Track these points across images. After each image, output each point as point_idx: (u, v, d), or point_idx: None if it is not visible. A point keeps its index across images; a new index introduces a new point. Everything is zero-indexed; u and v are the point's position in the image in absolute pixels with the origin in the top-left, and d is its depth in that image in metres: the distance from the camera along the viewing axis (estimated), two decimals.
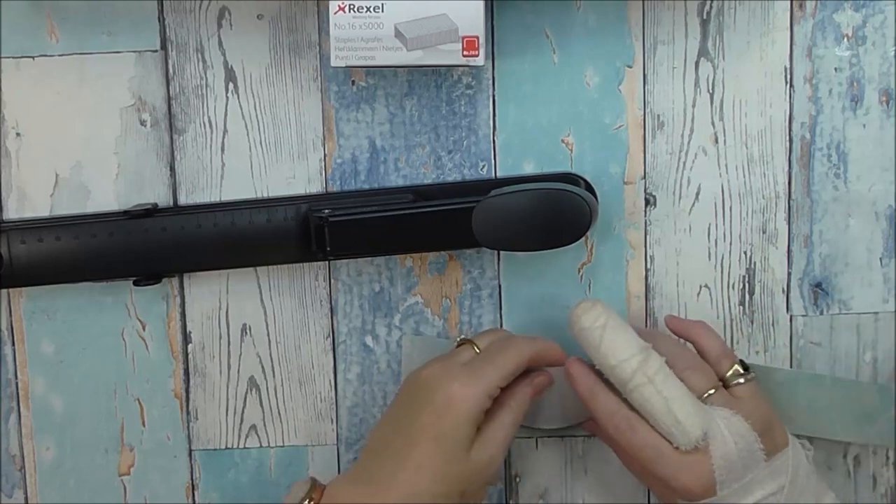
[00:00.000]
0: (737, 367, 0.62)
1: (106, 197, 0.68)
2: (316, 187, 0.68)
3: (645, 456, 0.59)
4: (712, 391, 0.60)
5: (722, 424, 0.58)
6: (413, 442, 0.58)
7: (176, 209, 0.67)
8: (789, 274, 0.68)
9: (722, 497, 0.58)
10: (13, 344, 0.69)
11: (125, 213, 0.65)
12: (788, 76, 0.67)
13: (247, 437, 0.70)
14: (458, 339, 0.63)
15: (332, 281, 0.69)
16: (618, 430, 0.59)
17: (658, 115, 0.67)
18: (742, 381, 0.61)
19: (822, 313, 0.69)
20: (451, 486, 0.58)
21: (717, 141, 0.67)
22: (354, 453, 0.70)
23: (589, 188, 0.66)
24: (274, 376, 0.69)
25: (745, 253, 0.68)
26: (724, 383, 0.61)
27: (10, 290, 0.68)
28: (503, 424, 0.60)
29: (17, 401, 0.69)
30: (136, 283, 0.66)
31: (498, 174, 0.67)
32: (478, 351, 0.61)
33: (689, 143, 0.67)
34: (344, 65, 0.59)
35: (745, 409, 0.59)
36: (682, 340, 0.64)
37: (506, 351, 0.60)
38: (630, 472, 0.64)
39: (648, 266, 0.68)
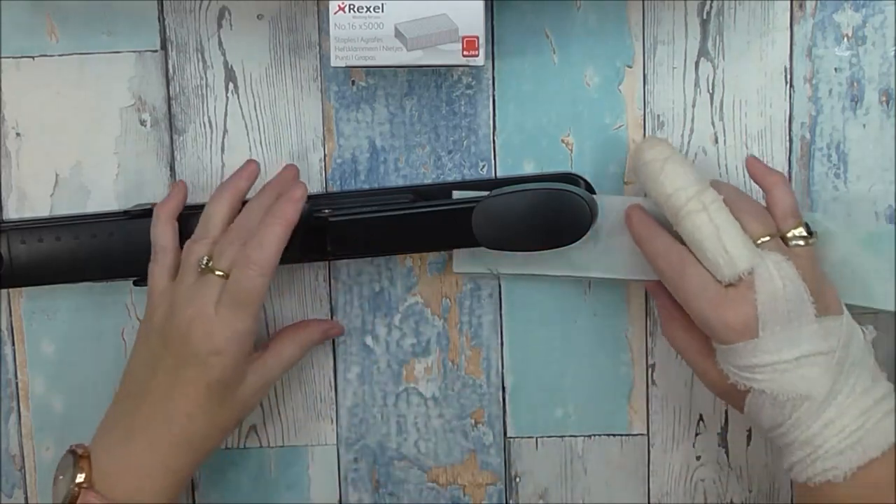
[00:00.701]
0: (802, 228, 0.59)
1: (106, 197, 0.68)
2: (316, 187, 0.68)
3: (691, 289, 0.58)
4: (767, 238, 0.58)
5: (771, 265, 0.57)
6: (182, 392, 0.58)
7: None
8: None
9: (765, 339, 0.56)
10: (13, 344, 0.69)
11: (125, 213, 0.65)
12: (788, 76, 0.67)
13: (247, 437, 0.70)
14: (202, 264, 0.59)
15: (332, 281, 0.69)
16: (670, 265, 0.59)
17: (658, 115, 0.67)
18: (802, 243, 0.59)
19: None
20: (228, 418, 0.60)
21: (717, 141, 0.67)
22: (355, 453, 0.70)
23: (589, 188, 0.66)
24: None
25: None
26: (784, 241, 0.59)
27: (10, 290, 0.68)
28: (282, 357, 0.63)
29: (17, 401, 0.69)
30: (136, 283, 0.66)
31: (498, 174, 0.67)
32: (220, 275, 0.58)
33: (689, 143, 0.67)
34: (344, 65, 0.59)
35: (797, 264, 0.57)
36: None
37: (242, 287, 0.58)
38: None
39: None
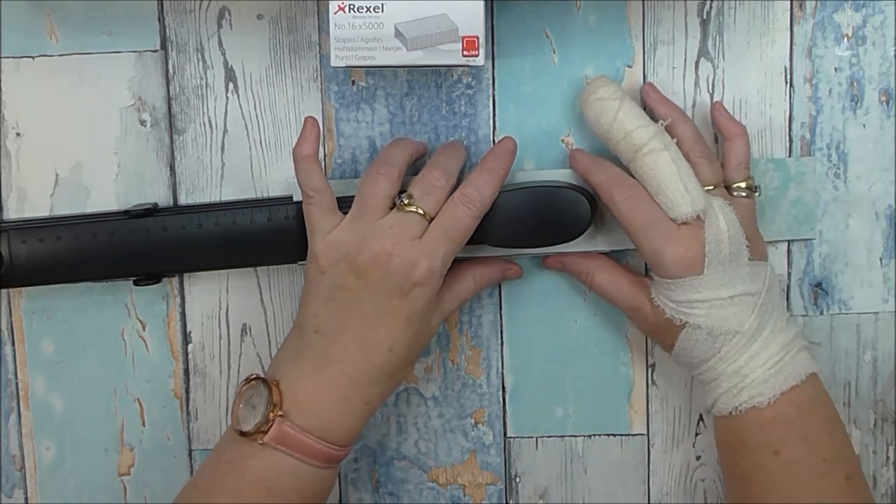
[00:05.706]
0: (749, 182, 0.63)
1: (106, 197, 0.68)
2: None
3: (642, 223, 0.60)
4: (712, 187, 0.61)
5: (717, 209, 0.60)
6: (381, 324, 0.58)
7: (176, 209, 0.67)
8: (789, 274, 0.68)
9: (707, 276, 0.59)
10: (13, 344, 0.69)
11: (125, 212, 0.65)
12: (788, 76, 0.67)
13: None
14: (399, 201, 0.59)
15: None
16: (622, 196, 0.60)
17: None
18: (745, 194, 0.63)
19: (822, 313, 0.69)
20: (419, 350, 0.61)
21: (717, 140, 0.67)
22: (355, 453, 0.70)
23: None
24: None
25: None
26: (728, 190, 0.63)
27: (10, 290, 0.68)
28: (462, 292, 0.63)
29: (17, 401, 0.69)
30: (136, 283, 0.66)
31: None
32: (422, 213, 0.59)
33: None
34: (344, 65, 0.59)
35: (738, 211, 0.61)
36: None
37: (457, 222, 0.59)
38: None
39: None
